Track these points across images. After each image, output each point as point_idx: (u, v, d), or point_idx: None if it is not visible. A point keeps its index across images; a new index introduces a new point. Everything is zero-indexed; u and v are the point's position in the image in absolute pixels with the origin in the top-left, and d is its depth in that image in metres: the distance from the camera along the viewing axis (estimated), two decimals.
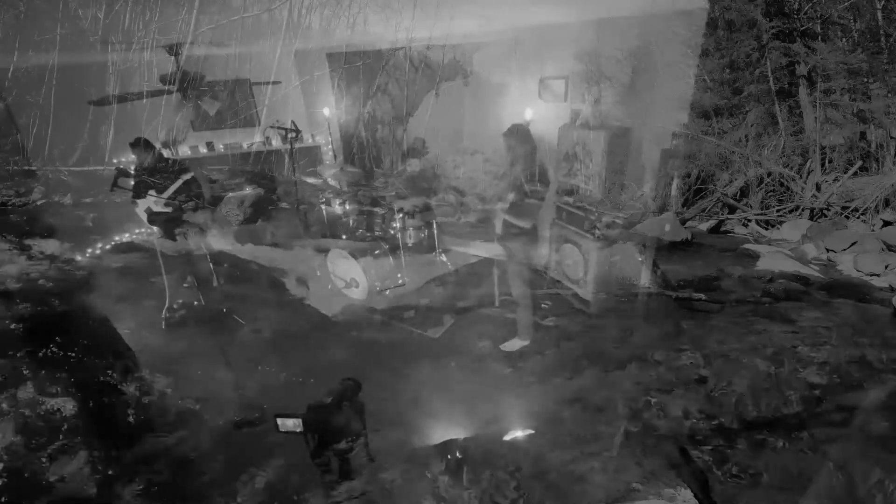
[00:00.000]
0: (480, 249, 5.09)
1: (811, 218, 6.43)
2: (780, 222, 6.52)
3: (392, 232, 4.66)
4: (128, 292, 4.30)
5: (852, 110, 6.51)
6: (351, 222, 4.97)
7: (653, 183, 7.09)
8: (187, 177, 3.91)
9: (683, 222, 6.47)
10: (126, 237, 5.68)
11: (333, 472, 2.36)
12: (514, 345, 3.66)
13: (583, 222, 4.21)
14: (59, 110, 5.87)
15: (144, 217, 3.94)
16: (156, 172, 3.94)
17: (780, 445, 2.54)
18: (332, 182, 4.98)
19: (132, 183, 3.86)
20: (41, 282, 4.02)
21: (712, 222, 6.76)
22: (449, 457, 2.47)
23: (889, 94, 6.27)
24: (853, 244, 5.39)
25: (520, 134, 3.29)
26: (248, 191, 6.42)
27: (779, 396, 2.92)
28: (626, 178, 7.11)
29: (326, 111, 6.86)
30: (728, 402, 2.91)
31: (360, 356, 3.64)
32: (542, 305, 4.24)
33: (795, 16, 6.46)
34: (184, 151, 6.84)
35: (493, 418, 2.89)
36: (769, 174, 6.70)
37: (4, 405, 2.68)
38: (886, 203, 6.03)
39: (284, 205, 6.67)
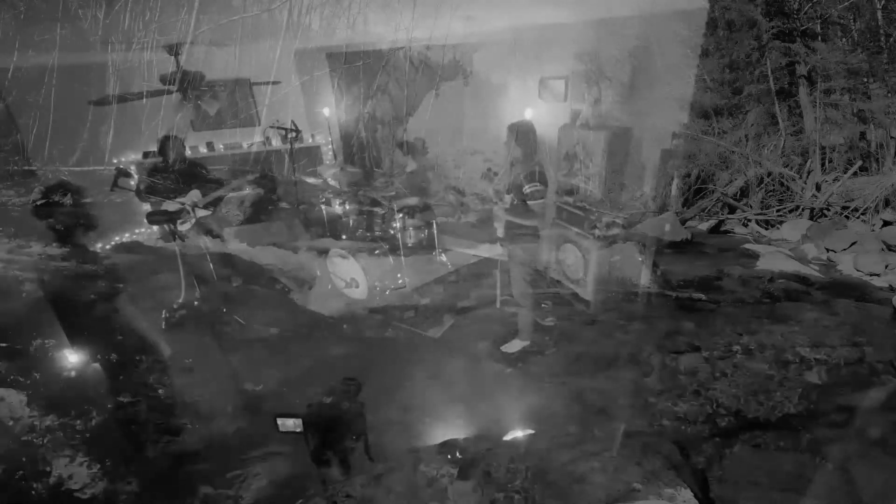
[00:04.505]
0: (480, 249, 5.08)
1: (811, 218, 6.43)
2: (780, 222, 6.52)
3: (392, 232, 4.65)
4: (128, 291, 4.30)
5: (852, 110, 6.51)
6: (351, 222, 4.97)
7: (653, 183, 7.09)
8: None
9: (683, 222, 6.47)
10: (126, 237, 5.69)
11: (333, 471, 2.36)
12: (514, 346, 3.66)
13: (583, 222, 4.21)
14: (59, 110, 5.86)
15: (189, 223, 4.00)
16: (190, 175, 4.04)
17: (780, 445, 2.54)
18: (332, 182, 4.98)
19: (131, 182, 3.87)
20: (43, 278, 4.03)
21: (712, 222, 6.75)
22: (449, 457, 2.47)
23: (889, 94, 6.26)
24: (853, 244, 5.39)
25: (523, 131, 3.28)
26: (248, 191, 6.42)
27: (779, 396, 2.92)
28: (626, 178, 7.11)
29: (326, 111, 6.85)
30: (728, 403, 2.91)
31: (360, 356, 3.64)
32: (542, 305, 4.24)
33: (795, 16, 6.46)
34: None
35: (493, 418, 2.89)
36: (769, 174, 6.70)
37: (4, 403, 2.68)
38: (886, 203, 6.03)
39: (284, 205, 6.67)
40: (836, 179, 6.46)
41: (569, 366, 3.42)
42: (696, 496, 2.14)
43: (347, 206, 4.96)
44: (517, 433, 2.75)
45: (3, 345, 3.25)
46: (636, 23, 6.45)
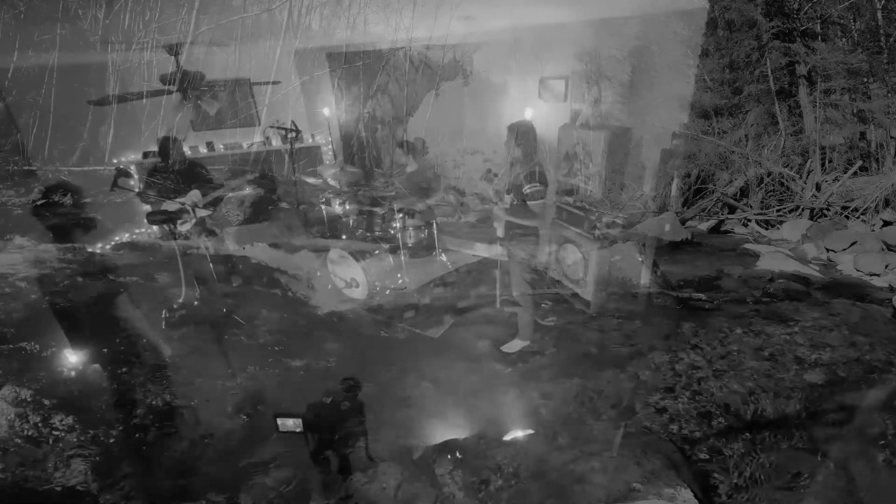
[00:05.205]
0: (480, 249, 5.08)
1: (811, 218, 6.43)
2: (780, 222, 6.52)
3: (392, 232, 4.65)
4: (127, 291, 4.30)
5: (852, 110, 6.52)
6: (351, 222, 4.97)
7: (653, 183, 7.10)
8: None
9: (683, 222, 6.47)
10: (126, 237, 5.69)
11: (333, 471, 2.36)
12: (514, 346, 3.66)
13: (583, 222, 4.21)
14: (59, 110, 5.86)
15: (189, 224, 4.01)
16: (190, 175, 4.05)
17: (780, 445, 2.54)
18: (332, 182, 4.98)
19: (131, 182, 3.89)
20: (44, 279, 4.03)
21: (712, 222, 6.76)
22: (449, 457, 2.47)
23: (889, 94, 6.27)
24: (853, 244, 5.39)
25: (523, 131, 3.28)
26: (248, 191, 6.43)
27: (779, 396, 2.92)
28: (625, 178, 7.12)
29: (326, 111, 6.86)
30: (728, 402, 2.90)
31: (360, 356, 3.64)
32: (542, 305, 4.24)
33: (795, 16, 6.46)
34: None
35: (493, 418, 2.89)
36: (769, 174, 6.70)
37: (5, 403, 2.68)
38: (886, 203, 6.03)
39: (284, 205, 6.68)
40: (836, 179, 6.46)
41: (569, 366, 3.41)
42: (696, 496, 2.14)
43: (347, 206, 4.96)
44: (517, 433, 2.74)
45: (3, 345, 3.25)
46: (636, 23, 6.46)
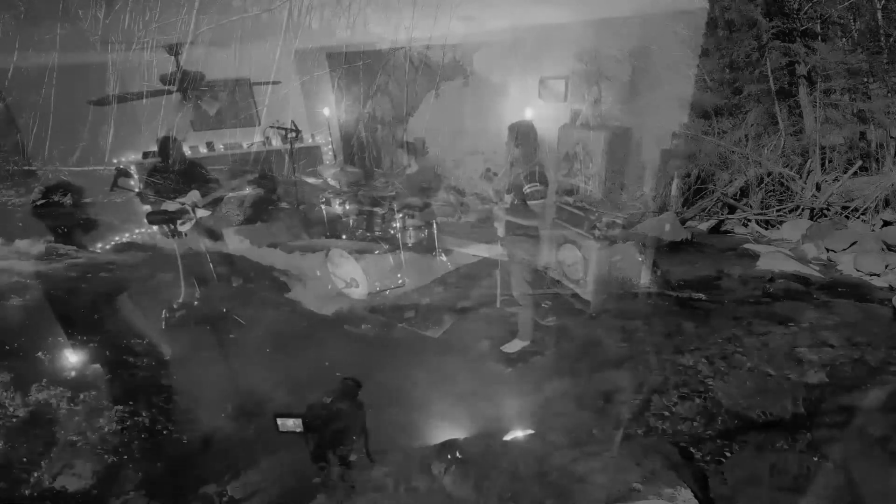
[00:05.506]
0: (480, 249, 5.09)
1: (811, 218, 6.43)
2: (780, 222, 6.51)
3: (392, 232, 4.66)
4: (127, 291, 4.30)
5: (852, 110, 6.51)
6: (351, 222, 4.98)
7: (653, 183, 7.09)
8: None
9: (683, 222, 6.47)
10: (126, 237, 5.70)
11: (333, 472, 2.36)
12: (514, 346, 3.66)
13: (583, 222, 4.21)
14: (59, 110, 5.86)
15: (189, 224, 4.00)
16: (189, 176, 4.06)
17: (780, 445, 2.54)
18: (332, 182, 4.99)
19: (131, 182, 3.89)
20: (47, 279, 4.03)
21: (712, 222, 6.75)
22: (449, 457, 2.47)
23: (889, 94, 6.26)
24: (853, 244, 5.39)
25: (523, 131, 3.28)
26: (249, 191, 6.44)
27: (778, 397, 2.92)
28: (626, 178, 7.11)
29: (326, 111, 6.86)
30: (728, 403, 2.90)
31: (360, 356, 3.64)
32: (542, 305, 4.24)
33: (795, 16, 6.45)
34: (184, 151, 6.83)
35: (493, 418, 2.89)
36: (769, 174, 6.70)
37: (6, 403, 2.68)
38: (886, 203, 6.03)
39: (284, 205, 6.68)
40: (836, 179, 6.46)
41: (569, 366, 3.41)
42: (696, 496, 2.14)
43: (347, 206, 4.97)
44: (517, 433, 2.74)
45: (4, 346, 3.25)
46: (636, 23, 6.45)
